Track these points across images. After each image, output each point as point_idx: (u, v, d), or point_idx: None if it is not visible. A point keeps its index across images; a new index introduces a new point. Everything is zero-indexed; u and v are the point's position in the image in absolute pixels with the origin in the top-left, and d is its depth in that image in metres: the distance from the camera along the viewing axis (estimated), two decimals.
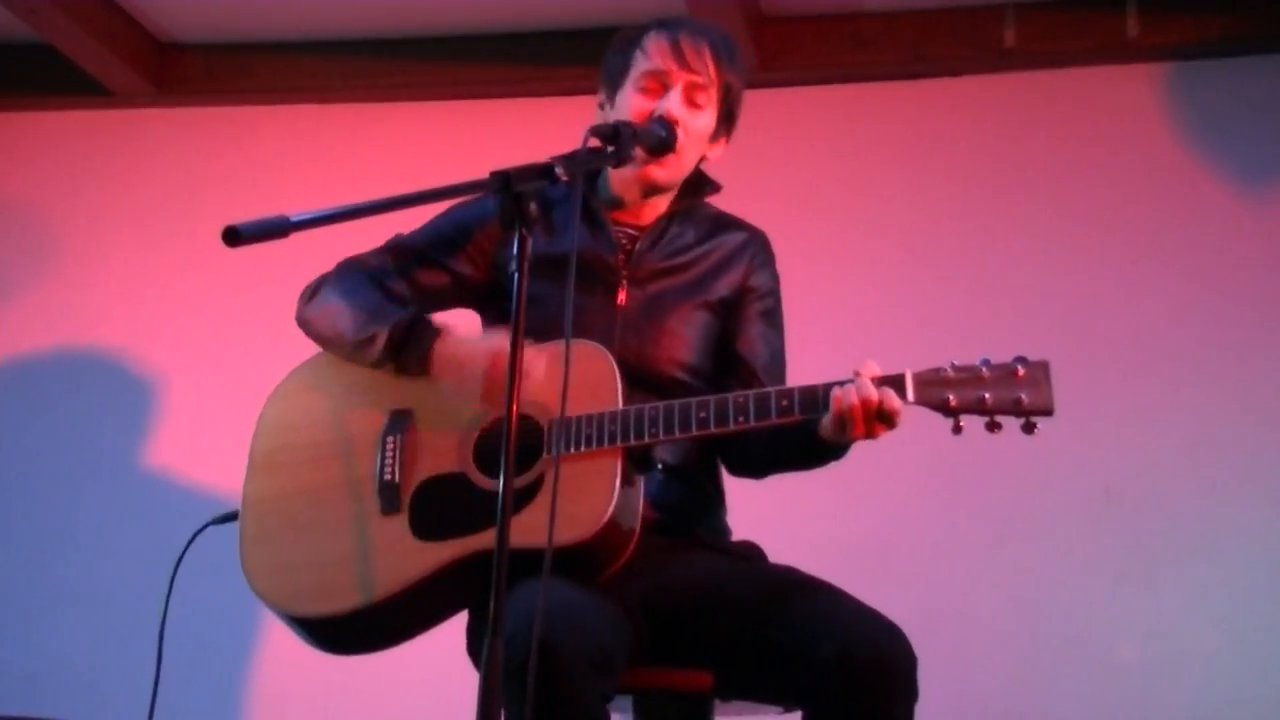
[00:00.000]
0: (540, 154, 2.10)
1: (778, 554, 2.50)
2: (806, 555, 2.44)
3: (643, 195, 2.52)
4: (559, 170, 2.04)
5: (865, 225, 4.00)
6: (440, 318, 2.43)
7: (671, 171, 2.49)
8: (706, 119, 2.49)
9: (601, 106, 2.53)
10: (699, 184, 2.58)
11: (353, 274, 2.53)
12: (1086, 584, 3.64)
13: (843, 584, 2.32)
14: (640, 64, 2.46)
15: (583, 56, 4.15)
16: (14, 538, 4.19)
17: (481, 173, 2.04)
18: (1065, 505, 3.67)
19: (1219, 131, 3.86)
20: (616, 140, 2.23)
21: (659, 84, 2.45)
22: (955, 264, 3.91)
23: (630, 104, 2.45)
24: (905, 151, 4.04)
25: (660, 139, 2.35)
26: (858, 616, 2.21)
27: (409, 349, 2.38)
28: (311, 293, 2.54)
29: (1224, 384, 3.70)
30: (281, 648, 3.90)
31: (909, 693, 2.15)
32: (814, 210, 3.99)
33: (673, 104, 2.43)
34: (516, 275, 1.98)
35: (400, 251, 2.55)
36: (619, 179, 2.51)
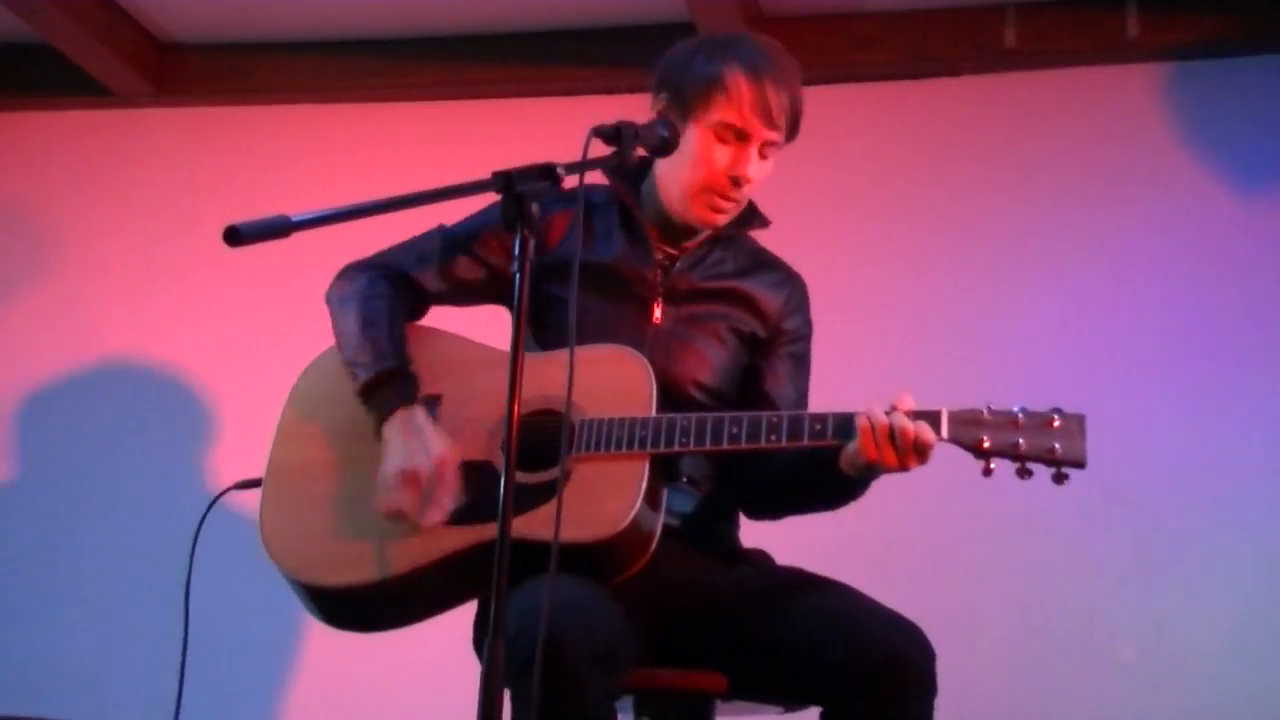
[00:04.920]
0: (541, 154, 2.10)
1: (782, 556, 2.51)
2: (808, 556, 2.44)
3: (689, 233, 2.53)
4: (561, 171, 2.04)
5: (865, 225, 4.00)
6: (427, 384, 2.42)
7: (731, 215, 2.50)
8: (769, 167, 2.49)
9: (661, 114, 2.47)
10: (748, 214, 2.57)
11: (380, 290, 2.50)
12: (1086, 584, 3.64)
13: None
14: (721, 107, 2.41)
15: (583, 56, 4.17)
16: (15, 538, 4.19)
17: (482, 173, 2.04)
18: (1065, 505, 3.66)
19: (1219, 131, 3.85)
20: (619, 140, 2.22)
21: (736, 137, 2.43)
22: (954, 263, 3.91)
23: (704, 147, 2.42)
24: (905, 152, 4.03)
25: (662, 139, 2.34)
26: (873, 615, 2.22)
27: (375, 401, 2.39)
28: (345, 283, 2.53)
29: (1224, 384, 3.70)
30: (286, 643, 3.91)
31: (928, 689, 2.16)
32: (813, 210, 3.98)
33: (751, 166, 2.43)
34: (517, 276, 1.99)
35: (441, 241, 2.55)
36: (670, 202, 2.50)
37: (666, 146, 2.35)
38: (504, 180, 2.00)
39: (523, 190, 1.99)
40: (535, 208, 2.00)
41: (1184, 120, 3.87)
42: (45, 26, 4.10)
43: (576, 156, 2.13)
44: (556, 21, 4.15)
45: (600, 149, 2.20)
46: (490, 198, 2.34)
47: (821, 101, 4.09)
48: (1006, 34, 3.95)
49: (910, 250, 3.94)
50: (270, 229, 1.92)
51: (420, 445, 2.31)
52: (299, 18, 4.27)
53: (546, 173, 2.03)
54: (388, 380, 2.39)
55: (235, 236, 1.88)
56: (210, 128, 4.44)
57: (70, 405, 4.27)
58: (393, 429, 2.35)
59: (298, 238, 1.95)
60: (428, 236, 2.57)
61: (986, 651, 3.59)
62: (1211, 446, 3.67)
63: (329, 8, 4.21)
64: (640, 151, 2.31)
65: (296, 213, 1.95)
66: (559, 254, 2.44)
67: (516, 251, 2.00)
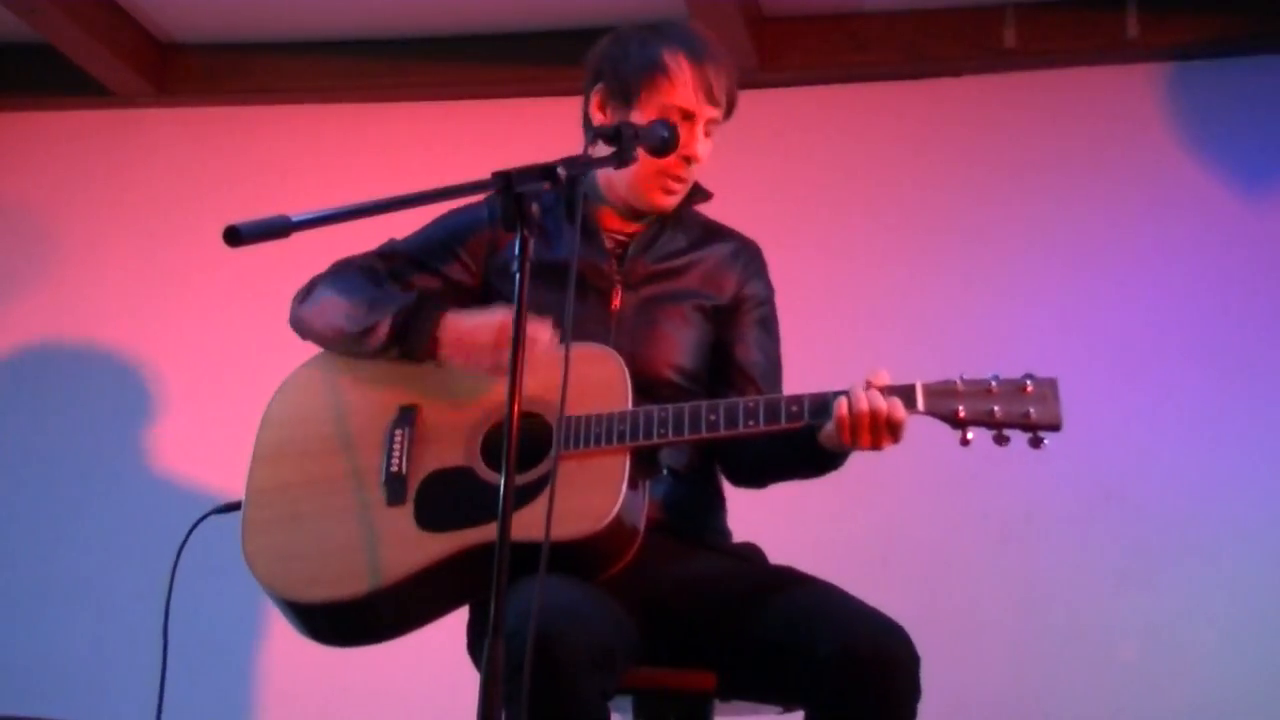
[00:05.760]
0: (540, 154, 2.10)
1: (778, 555, 2.51)
2: (807, 556, 2.44)
3: (638, 217, 2.55)
4: (561, 171, 2.04)
5: (865, 225, 4.00)
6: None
7: (681, 196, 2.53)
8: (711, 145, 2.52)
9: (603, 109, 2.50)
10: (690, 191, 2.58)
11: (347, 271, 2.53)
12: (1086, 584, 3.64)
13: (843, 585, 2.33)
14: (664, 91, 2.44)
15: (583, 57, 4.16)
16: (14, 537, 4.19)
17: (481, 173, 2.04)
18: (1065, 505, 3.67)
19: (1219, 131, 3.86)
20: (619, 141, 2.22)
21: (683, 118, 2.45)
22: (955, 264, 3.91)
23: None
24: (905, 152, 4.03)
25: (663, 139, 2.34)
26: (859, 615, 2.22)
27: (414, 332, 2.38)
28: (305, 293, 2.54)
29: (1223, 384, 3.70)
30: (283, 646, 3.91)
31: (912, 690, 2.16)
32: (813, 210, 3.99)
33: (700, 144, 2.47)
34: (518, 276, 1.98)
35: (393, 256, 2.56)
36: (618, 191, 2.52)
37: (667, 147, 2.35)
38: (504, 180, 2.00)
39: (522, 190, 1.99)
40: (535, 208, 2.00)
41: (1184, 120, 3.88)
42: (45, 26, 4.10)
43: None
44: (556, 21, 4.16)
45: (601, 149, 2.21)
46: (467, 202, 2.35)
47: (821, 102, 4.15)
48: (1006, 34, 3.95)
49: (910, 250, 3.94)
50: (270, 229, 1.92)
51: (481, 340, 2.31)
52: (299, 18, 4.27)
53: (546, 173, 2.03)
54: (410, 314, 2.38)
55: (235, 237, 1.88)
56: (210, 128, 4.44)
57: (69, 406, 4.27)
58: (449, 346, 2.35)
59: (298, 238, 1.95)
60: (378, 251, 2.57)
61: (986, 651, 3.59)
62: (1211, 446, 3.67)
63: (329, 8, 4.21)
64: (641, 151, 2.30)
65: (296, 213, 1.95)
66: (509, 257, 2.43)
67: (517, 251, 2.00)
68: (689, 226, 2.60)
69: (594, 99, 2.52)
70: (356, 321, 2.43)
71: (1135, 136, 3.90)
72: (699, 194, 2.60)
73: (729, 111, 2.51)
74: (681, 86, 2.44)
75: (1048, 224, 3.89)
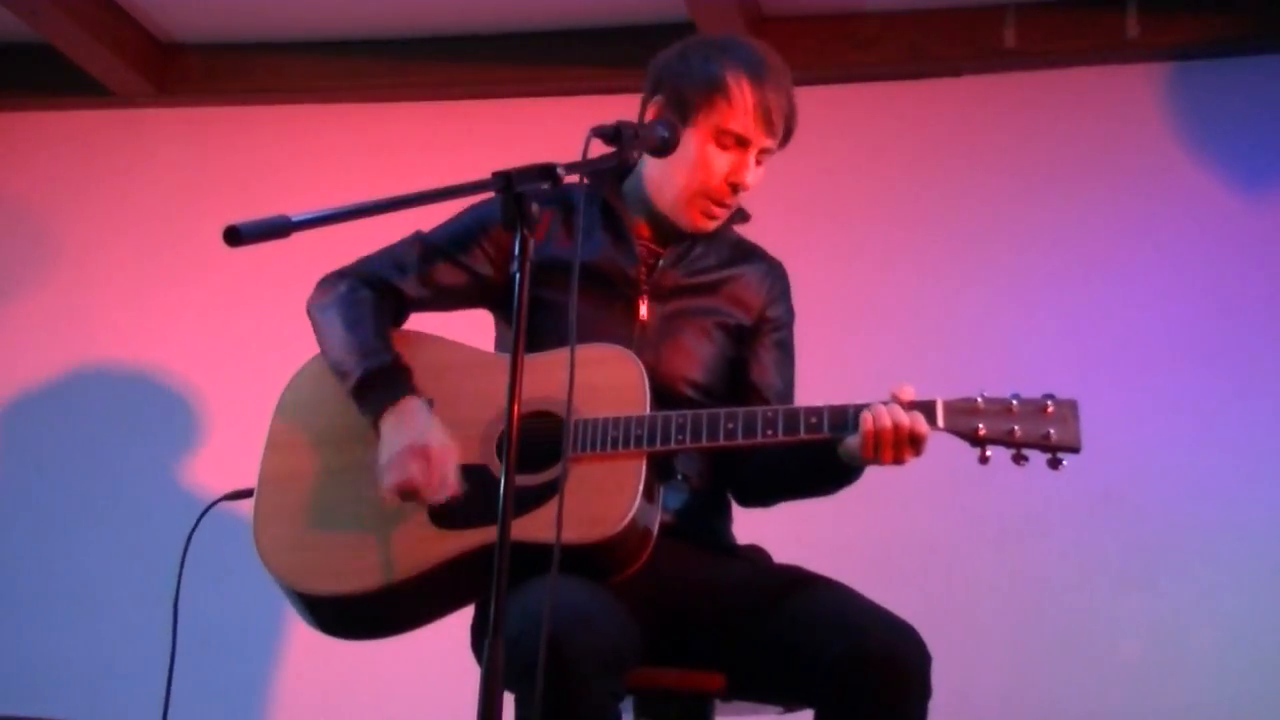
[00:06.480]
0: (541, 154, 2.10)
1: (780, 555, 2.51)
2: (808, 556, 2.44)
3: (674, 239, 2.54)
4: (560, 171, 2.04)
5: (864, 225, 4.00)
6: (421, 381, 2.39)
7: (721, 222, 2.52)
8: (762, 173, 2.50)
9: (658, 115, 2.47)
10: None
11: (361, 295, 2.49)
12: (1086, 584, 3.64)
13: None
14: (723, 113, 2.42)
15: (583, 56, 4.17)
16: (14, 537, 4.19)
17: (482, 173, 2.04)
18: (1065, 505, 3.67)
19: (1219, 131, 3.86)
20: (619, 141, 2.22)
21: (736, 143, 2.44)
22: (954, 263, 3.91)
23: (703, 152, 2.43)
24: (905, 152, 4.03)
25: (663, 139, 2.32)
26: (869, 615, 2.22)
27: (368, 399, 2.36)
28: (328, 289, 2.52)
29: (1223, 384, 3.70)
30: (286, 645, 3.91)
31: (923, 691, 2.16)
32: (812, 210, 3.99)
33: (750, 173, 2.45)
34: (518, 275, 1.98)
35: (420, 248, 2.54)
36: (661, 203, 2.51)
37: (666, 147, 2.34)
38: (504, 180, 2.00)
39: (523, 190, 1.99)
40: (535, 208, 2.00)
41: (1184, 120, 3.88)
42: (46, 27, 4.10)
43: (576, 156, 2.13)
44: (556, 21, 4.16)
45: (600, 149, 2.20)
46: (467, 202, 2.35)
47: (821, 102, 4.11)
48: (1006, 34, 3.95)
49: (910, 251, 3.94)
50: (270, 229, 1.91)
51: (425, 426, 2.29)
52: (299, 18, 4.27)
53: (546, 173, 2.03)
54: (380, 376, 2.37)
55: (235, 236, 1.88)
56: (210, 128, 4.44)
57: (69, 405, 4.27)
58: (392, 420, 2.32)
59: (298, 238, 1.95)
60: (406, 243, 2.56)
61: (986, 651, 3.59)
62: (1211, 446, 3.67)
63: (330, 8, 4.21)
64: (640, 152, 2.30)
65: (296, 213, 1.95)
66: (540, 255, 2.41)
67: (517, 251, 1.99)
68: (720, 245, 2.59)
69: (650, 109, 2.50)
70: (337, 362, 2.42)
71: (1135, 136, 3.90)
72: (738, 214, 2.59)
73: (784, 141, 2.49)
74: (740, 111, 2.42)
75: (1047, 224, 3.89)
